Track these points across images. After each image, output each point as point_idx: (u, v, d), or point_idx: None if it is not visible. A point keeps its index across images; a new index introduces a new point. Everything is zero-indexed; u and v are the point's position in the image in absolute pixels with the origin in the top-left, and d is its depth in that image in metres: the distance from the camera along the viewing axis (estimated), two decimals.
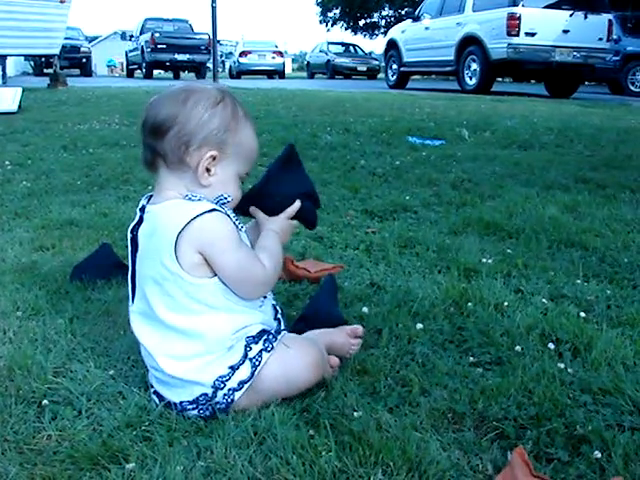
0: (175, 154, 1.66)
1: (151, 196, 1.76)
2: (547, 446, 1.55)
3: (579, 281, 2.64)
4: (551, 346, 2.04)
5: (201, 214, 1.62)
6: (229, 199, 1.75)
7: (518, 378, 1.82)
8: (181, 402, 1.67)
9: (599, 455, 1.50)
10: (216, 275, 1.67)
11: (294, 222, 1.91)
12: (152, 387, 1.75)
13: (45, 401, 1.71)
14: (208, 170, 1.69)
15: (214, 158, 1.69)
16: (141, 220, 1.72)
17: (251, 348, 1.69)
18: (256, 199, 1.88)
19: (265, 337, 1.72)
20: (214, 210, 1.65)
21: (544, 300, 2.43)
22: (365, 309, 2.31)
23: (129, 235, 1.75)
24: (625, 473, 1.45)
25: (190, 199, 1.67)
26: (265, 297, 1.83)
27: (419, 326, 2.17)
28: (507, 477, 1.39)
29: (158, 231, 1.65)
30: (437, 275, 2.70)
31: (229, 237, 1.66)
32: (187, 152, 1.66)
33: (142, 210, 1.73)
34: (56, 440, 1.57)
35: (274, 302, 1.89)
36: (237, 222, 1.74)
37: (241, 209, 1.86)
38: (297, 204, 1.88)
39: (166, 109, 1.67)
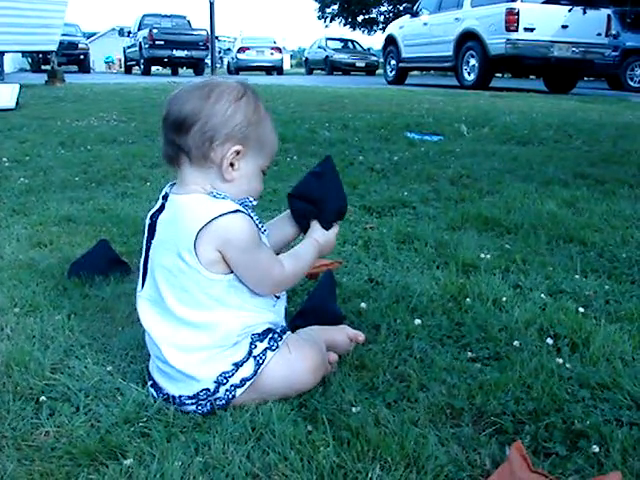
0: (199, 150, 1.65)
1: (174, 184, 1.75)
2: (545, 441, 1.55)
3: (577, 276, 2.64)
4: (549, 341, 2.05)
5: (225, 214, 1.61)
6: (254, 202, 1.74)
7: (516, 373, 1.82)
8: (180, 396, 1.68)
9: (597, 450, 1.51)
10: (231, 273, 1.67)
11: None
12: (150, 380, 1.76)
13: (43, 397, 1.71)
14: (232, 165, 1.68)
15: (238, 153, 1.68)
16: (162, 207, 1.71)
17: (256, 346, 1.69)
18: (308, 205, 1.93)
19: (270, 335, 1.73)
20: (238, 211, 1.63)
21: (542, 295, 2.43)
22: (363, 305, 2.31)
23: (147, 221, 1.75)
24: (623, 468, 1.45)
25: (214, 196, 1.65)
26: (278, 297, 1.83)
27: (417, 322, 2.17)
28: (505, 472, 1.40)
29: (179, 223, 1.65)
30: (435, 271, 2.70)
31: (250, 239, 1.65)
32: (211, 147, 1.65)
33: (164, 198, 1.72)
34: (54, 436, 1.57)
35: (286, 303, 1.89)
36: (259, 224, 1.74)
37: (297, 212, 1.93)
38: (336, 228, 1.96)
39: (189, 104, 1.65)
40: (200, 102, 1.65)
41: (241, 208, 1.66)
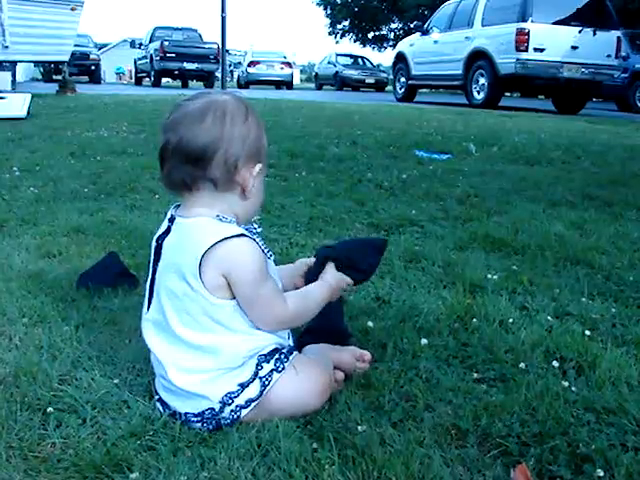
0: (225, 177, 1.65)
1: (179, 205, 1.75)
2: (550, 464, 1.55)
3: (584, 299, 2.64)
4: (555, 364, 2.04)
5: (230, 237, 1.61)
6: (258, 230, 1.76)
7: (522, 395, 1.82)
8: (186, 413, 1.68)
9: (602, 474, 1.50)
10: (236, 298, 1.67)
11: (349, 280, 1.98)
12: (157, 395, 1.76)
13: (50, 408, 1.72)
14: None
15: (260, 169, 1.70)
16: (168, 230, 1.72)
17: (262, 367, 1.69)
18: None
19: (277, 357, 1.72)
20: (243, 235, 1.64)
21: (549, 317, 2.44)
22: (370, 323, 2.31)
23: (154, 243, 1.75)
24: None
25: (220, 220, 1.66)
26: None
27: (424, 341, 2.17)
28: None
29: (185, 246, 1.65)
30: (442, 290, 2.70)
31: (256, 266, 1.65)
32: (237, 171, 1.66)
33: (171, 220, 1.72)
34: (60, 448, 1.57)
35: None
36: (265, 249, 1.74)
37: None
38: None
39: (204, 134, 1.63)
40: (215, 130, 1.64)
41: (246, 232, 1.66)
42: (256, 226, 1.76)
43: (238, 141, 1.66)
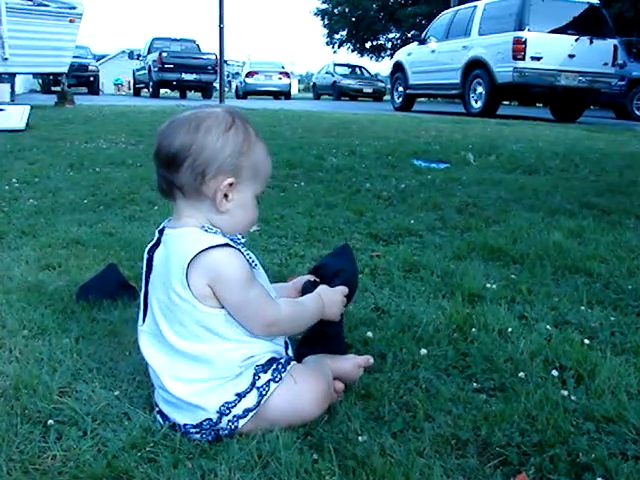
0: (191, 185, 1.66)
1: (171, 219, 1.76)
2: (550, 473, 1.55)
3: (583, 307, 2.64)
4: (555, 373, 2.05)
5: (213, 247, 1.62)
6: (242, 240, 1.75)
7: (521, 405, 1.83)
8: (185, 425, 1.68)
9: None
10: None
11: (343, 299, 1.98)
12: (157, 406, 1.76)
13: (50, 421, 1.72)
14: (226, 196, 1.68)
15: (231, 185, 1.68)
16: (159, 242, 1.73)
17: (259, 377, 1.69)
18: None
19: (274, 367, 1.72)
20: (227, 245, 1.64)
21: (548, 326, 2.44)
22: (369, 333, 2.31)
23: (145, 255, 1.76)
24: None
25: (206, 230, 1.67)
26: None
27: (423, 351, 2.17)
28: None
29: (172, 257, 1.66)
30: (441, 300, 2.70)
31: (240, 275, 1.66)
32: (203, 182, 1.65)
33: (161, 232, 1.74)
34: (61, 460, 1.57)
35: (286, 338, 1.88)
36: (250, 259, 1.73)
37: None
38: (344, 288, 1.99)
39: (178, 139, 1.65)
40: (189, 136, 1.65)
41: (230, 242, 1.66)
42: (240, 236, 1.76)
43: (209, 151, 1.65)
